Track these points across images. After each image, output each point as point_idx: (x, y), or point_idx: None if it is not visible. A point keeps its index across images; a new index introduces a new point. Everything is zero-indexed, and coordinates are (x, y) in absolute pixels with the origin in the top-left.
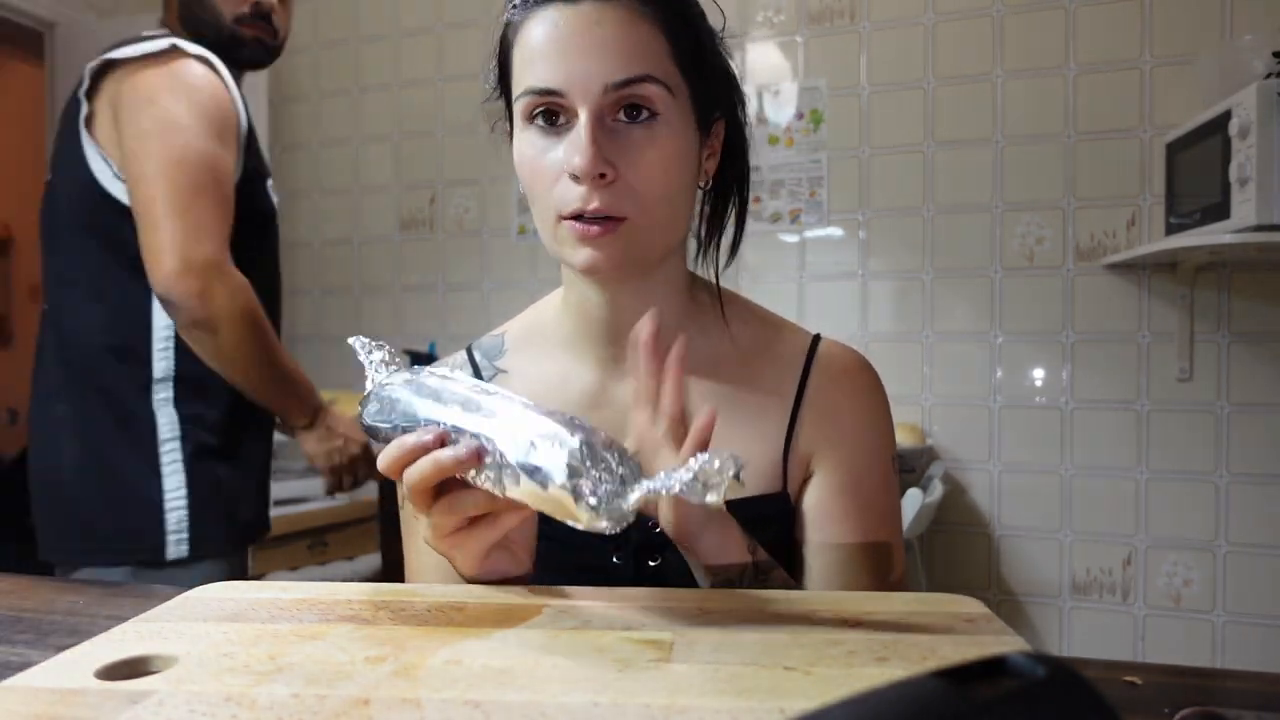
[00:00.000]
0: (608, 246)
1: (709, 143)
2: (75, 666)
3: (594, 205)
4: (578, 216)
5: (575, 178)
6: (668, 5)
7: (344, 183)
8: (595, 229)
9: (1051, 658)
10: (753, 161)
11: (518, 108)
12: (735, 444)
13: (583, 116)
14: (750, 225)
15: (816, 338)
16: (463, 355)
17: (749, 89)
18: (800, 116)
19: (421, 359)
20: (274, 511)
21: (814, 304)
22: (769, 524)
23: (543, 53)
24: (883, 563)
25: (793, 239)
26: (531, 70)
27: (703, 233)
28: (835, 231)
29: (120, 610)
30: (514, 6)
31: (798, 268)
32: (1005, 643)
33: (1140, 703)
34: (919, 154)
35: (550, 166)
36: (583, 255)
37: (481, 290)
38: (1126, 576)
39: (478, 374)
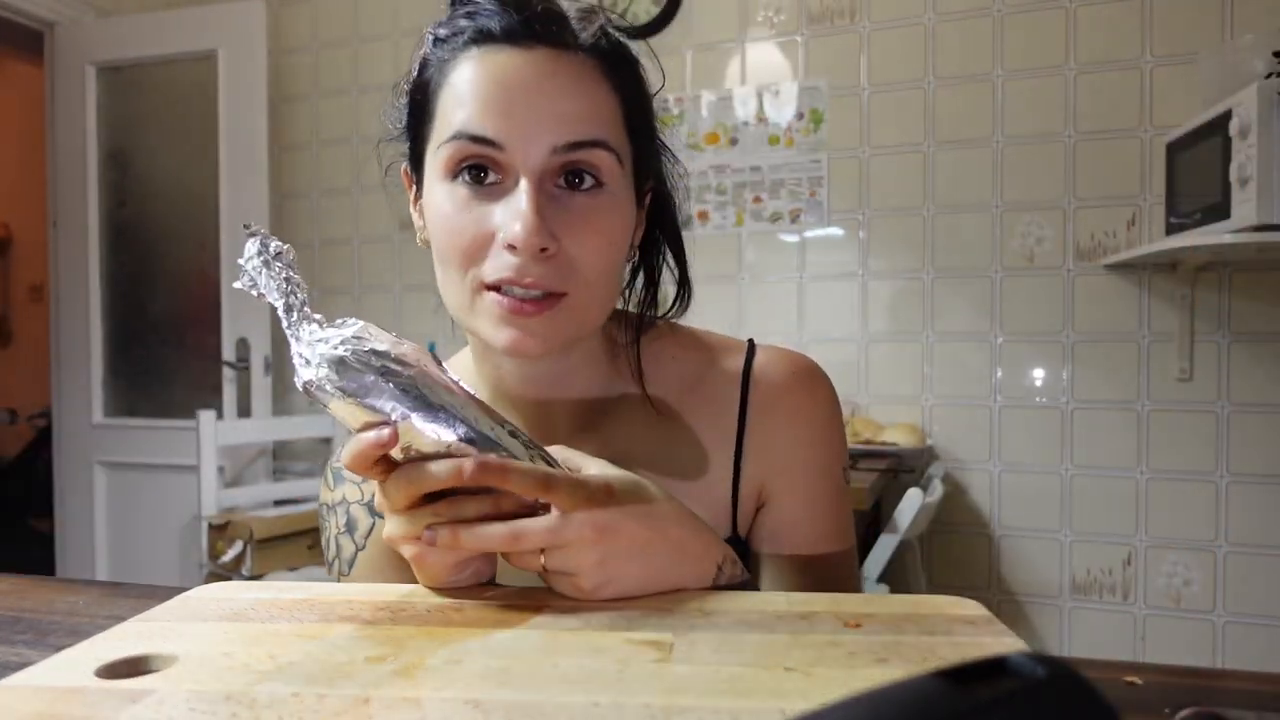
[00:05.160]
0: (541, 327)
1: (640, 212)
2: (75, 665)
3: (529, 279)
4: (504, 289)
5: (512, 247)
6: (623, 65)
7: (344, 183)
8: (529, 306)
9: (1051, 658)
10: (753, 162)
11: (440, 155)
12: (681, 499)
13: (524, 181)
14: (750, 225)
15: (751, 351)
16: None
17: (749, 89)
18: (800, 116)
19: None
20: (274, 511)
21: (814, 304)
22: None
23: (481, 96)
24: (844, 571)
25: (793, 239)
26: (464, 113)
27: (641, 301)
28: (835, 231)
29: (120, 610)
30: (440, 40)
31: (798, 268)
32: (1005, 644)
33: (1140, 703)
34: (919, 154)
35: (475, 229)
36: (506, 335)
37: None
38: (1126, 576)
39: None
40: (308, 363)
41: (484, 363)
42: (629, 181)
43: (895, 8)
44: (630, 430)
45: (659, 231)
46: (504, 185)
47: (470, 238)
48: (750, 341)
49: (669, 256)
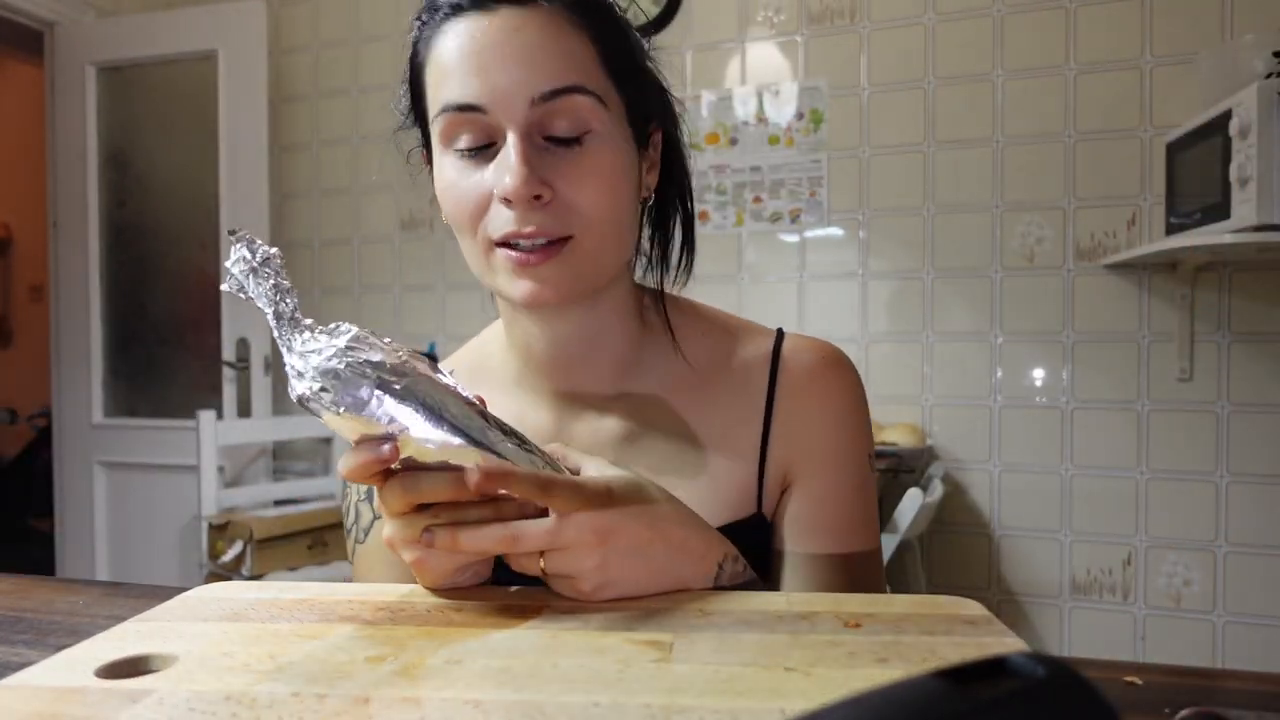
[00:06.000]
0: (551, 273)
1: (648, 154)
2: (75, 665)
3: (530, 228)
4: (513, 244)
5: (507, 201)
6: (594, 10)
7: (344, 183)
8: (535, 256)
9: (1051, 658)
10: (753, 162)
11: (435, 130)
12: (707, 471)
13: (510, 135)
14: (750, 225)
15: (780, 338)
16: None
17: (749, 89)
18: (800, 116)
19: None
20: (274, 511)
21: (814, 304)
22: (746, 549)
23: (459, 66)
24: (871, 572)
25: (793, 239)
26: (447, 86)
27: (650, 250)
28: (835, 231)
29: (120, 610)
30: (421, 22)
31: (798, 268)
32: (1006, 644)
33: (1140, 703)
34: (919, 154)
35: (475, 191)
36: (522, 287)
37: (481, 290)
38: (1126, 576)
39: None
40: (300, 375)
41: (514, 328)
42: (621, 124)
43: (895, 8)
44: (660, 399)
45: (666, 183)
46: (496, 147)
47: (473, 201)
48: (779, 329)
49: (679, 209)
